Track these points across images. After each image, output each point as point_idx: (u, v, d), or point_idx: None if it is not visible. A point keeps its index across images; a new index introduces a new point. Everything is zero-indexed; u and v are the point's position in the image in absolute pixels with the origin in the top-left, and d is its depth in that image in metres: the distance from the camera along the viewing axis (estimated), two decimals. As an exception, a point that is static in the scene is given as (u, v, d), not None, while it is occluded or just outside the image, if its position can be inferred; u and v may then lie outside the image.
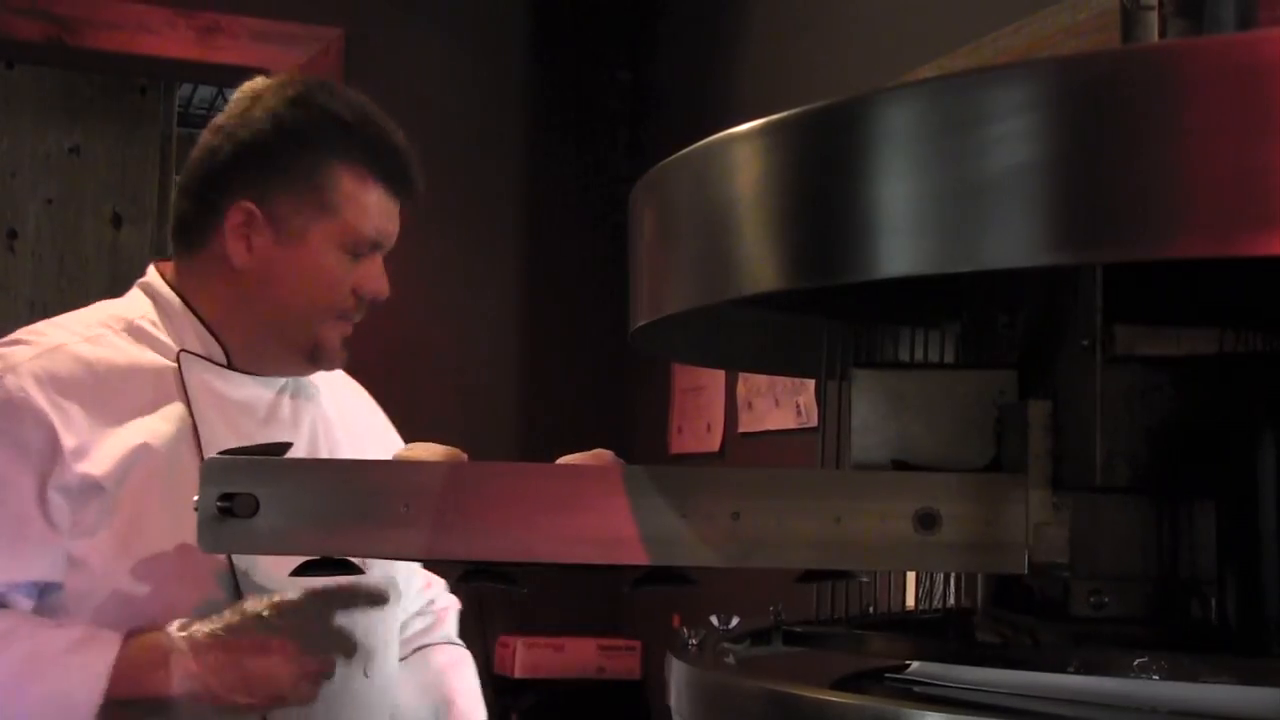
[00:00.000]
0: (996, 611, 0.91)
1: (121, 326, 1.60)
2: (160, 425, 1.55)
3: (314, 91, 1.64)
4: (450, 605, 1.92)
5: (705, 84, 3.45)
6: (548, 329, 3.75)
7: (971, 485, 0.82)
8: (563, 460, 1.26)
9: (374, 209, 1.62)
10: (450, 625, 1.91)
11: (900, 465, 0.86)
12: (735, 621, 0.94)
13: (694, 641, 0.89)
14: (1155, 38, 0.84)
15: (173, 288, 1.64)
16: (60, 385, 1.51)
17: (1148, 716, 0.70)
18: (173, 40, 3.48)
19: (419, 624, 1.87)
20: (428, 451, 1.44)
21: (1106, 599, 0.80)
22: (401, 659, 1.78)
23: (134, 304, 1.65)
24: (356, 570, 0.95)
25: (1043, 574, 0.80)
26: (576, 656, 3.41)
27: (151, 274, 1.67)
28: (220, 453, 0.91)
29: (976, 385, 0.87)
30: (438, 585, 1.92)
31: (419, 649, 1.84)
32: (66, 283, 4.97)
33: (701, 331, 1.02)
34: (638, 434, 3.61)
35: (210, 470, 0.88)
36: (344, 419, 1.76)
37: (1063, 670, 0.75)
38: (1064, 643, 0.80)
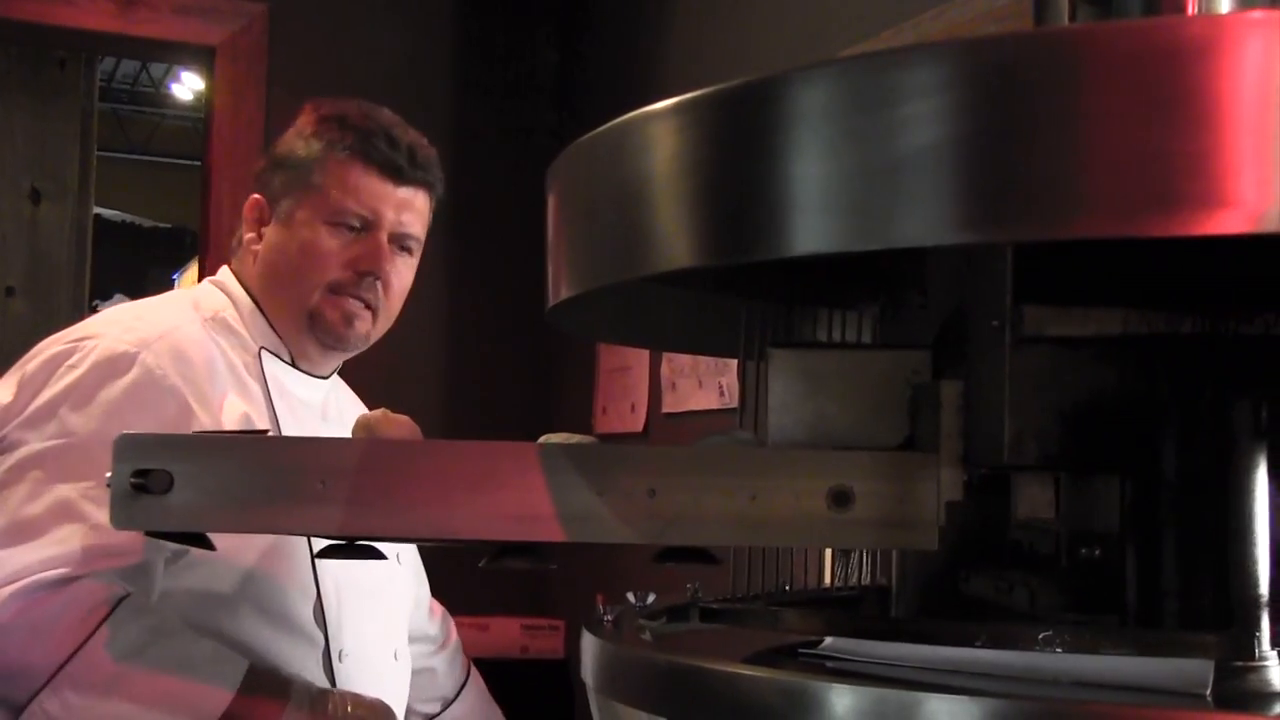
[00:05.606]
0: (986, 568, 0.92)
1: (208, 317, 1.73)
2: (252, 414, 1.66)
3: (325, 104, 1.80)
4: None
5: (632, 64, 3.44)
6: (472, 308, 3.73)
7: (884, 463, 0.83)
8: None
9: (360, 188, 1.73)
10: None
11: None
12: (652, 598, 0.94)
13: (610, 618, 0.89)
14: (1065, 22, 0.85)
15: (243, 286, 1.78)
16: (186, 363, 1.62)
17: (1051, 687, 0.71)
18: (91, 12, 3.41)
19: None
20: (392, 425, 1.47)
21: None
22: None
23: (212, 298, 1.78)
24: (380, 555, 0.95)
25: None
26: (500, 636, 3.41)
27: (225, 273, 1.81)
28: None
29: (891, 365, 0.88)
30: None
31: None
32: (-16, 260, 4.87)
33: (619, 309, 1.02)
34: (563, 414, 3.60)
35: (123, 446, 0.87)
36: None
37: (971, 644, 0.76)
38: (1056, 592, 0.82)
